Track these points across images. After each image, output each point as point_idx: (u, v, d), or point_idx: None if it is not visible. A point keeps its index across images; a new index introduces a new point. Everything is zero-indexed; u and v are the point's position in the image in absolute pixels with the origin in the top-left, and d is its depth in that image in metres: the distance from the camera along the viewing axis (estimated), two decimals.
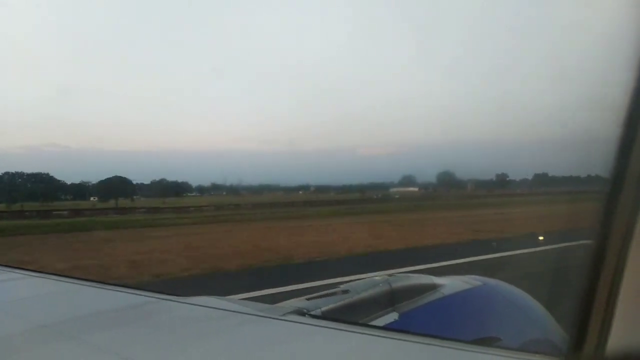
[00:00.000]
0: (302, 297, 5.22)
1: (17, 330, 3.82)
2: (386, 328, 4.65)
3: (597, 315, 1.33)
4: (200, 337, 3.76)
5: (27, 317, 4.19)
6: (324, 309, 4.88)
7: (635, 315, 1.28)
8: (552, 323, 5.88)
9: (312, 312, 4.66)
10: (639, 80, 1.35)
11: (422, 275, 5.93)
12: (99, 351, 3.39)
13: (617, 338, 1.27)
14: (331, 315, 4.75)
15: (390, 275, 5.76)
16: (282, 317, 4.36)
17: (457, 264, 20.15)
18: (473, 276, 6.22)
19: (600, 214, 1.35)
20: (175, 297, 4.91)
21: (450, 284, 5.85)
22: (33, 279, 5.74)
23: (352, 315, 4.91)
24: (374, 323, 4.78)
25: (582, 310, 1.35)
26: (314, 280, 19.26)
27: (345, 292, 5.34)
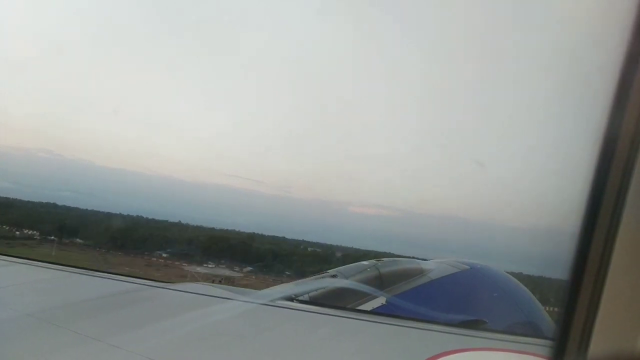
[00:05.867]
0: (290, 283, 5.24)
1: (1, 318, 3.77)
2: (374, 312, 4.69)
3: (578, 323, 1.35)
4: (189, 323, 3.76)
5: (12, 305, 4.14)
6: (312, 294, 4.90)
7: (615, 323, 1.30)
8: (538, 307, 5.97)
9: (301, 297, 4.69)
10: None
11: (410, 260, 5.97)
12: (85, 339, 3.37)
13: (598, 345, 1.30)
14: (319, 301, 4.77)
15: (378, 260, 5.80)
16: (271, 303, 4.38)
17: None
18: (461, 260, 6.27)
19: (583, 223, 1.35)
20: (163, 283, 4.90)
21: (438, 268, 5.89)
22: (18, 265, 5.67)
23: (340, 300, 4.94)
24: (361, 307, 4.82)
25: (565, 318, 1.37)
26: None
27: (334, 277, 5.37)
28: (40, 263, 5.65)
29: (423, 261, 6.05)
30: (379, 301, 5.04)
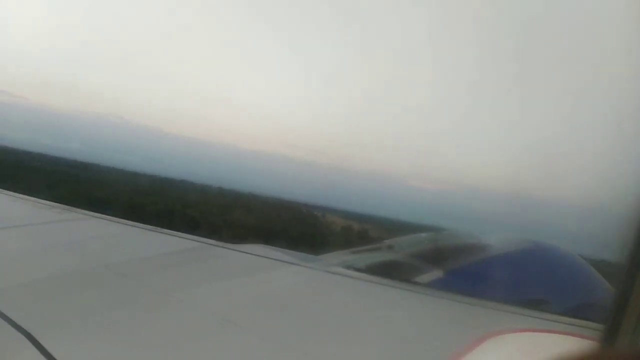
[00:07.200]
0: (348, 250, 5.31)
1: (81, 269, 4.14)
2: (429, 285, 4.68)
3: (635, 308, 1.28)
4: (249, 283, 3.94)
5: (91, 257, 4.52)
6: (368, 263, 4.95)
7: None
8: (605, 288, 5.69)
9: (357, 266, 4.75)
10: None
11: (470, 235, 5.84)
12: (157, 292, 3.64)
13: None
14: (375, 270, 4.82)
15: (436, 232, 5.73)
16: (327, 269, 4.49)
17: None
18: (524, 237, 6.05)
19: None
20: (226, 244, 5.14)
21: (499, 244, 5.73)
22: (95, 220, 6.13)
23: (396, 270, 4.96)
24: (417, 280, 4.82)
25: (620, 302, 1.31)
26: None
27: (390, 247, 5.38)
28: (113, 218, 6.07)
29: (484, 237, 5.90)
30: (436, 274, 5.01)
